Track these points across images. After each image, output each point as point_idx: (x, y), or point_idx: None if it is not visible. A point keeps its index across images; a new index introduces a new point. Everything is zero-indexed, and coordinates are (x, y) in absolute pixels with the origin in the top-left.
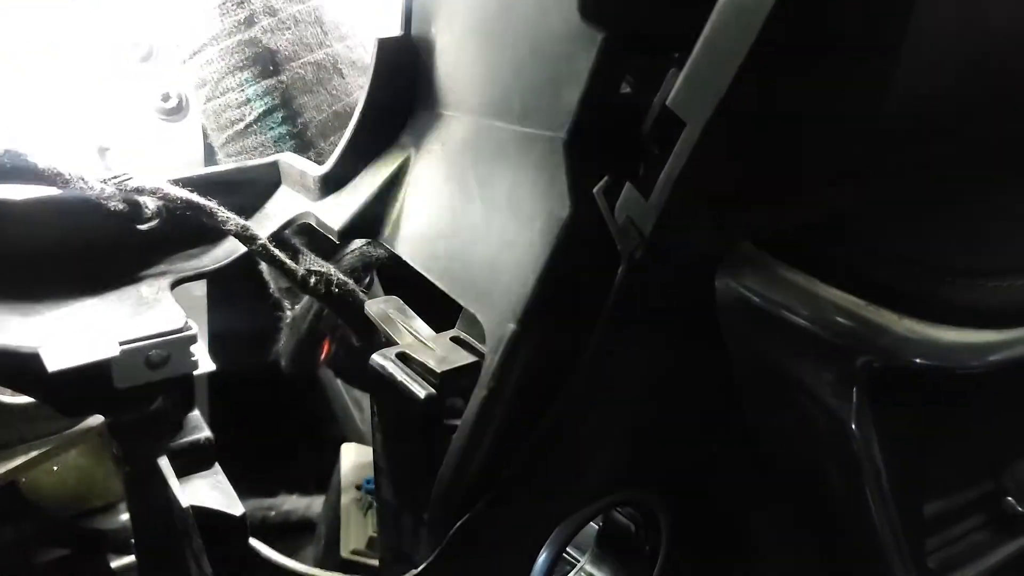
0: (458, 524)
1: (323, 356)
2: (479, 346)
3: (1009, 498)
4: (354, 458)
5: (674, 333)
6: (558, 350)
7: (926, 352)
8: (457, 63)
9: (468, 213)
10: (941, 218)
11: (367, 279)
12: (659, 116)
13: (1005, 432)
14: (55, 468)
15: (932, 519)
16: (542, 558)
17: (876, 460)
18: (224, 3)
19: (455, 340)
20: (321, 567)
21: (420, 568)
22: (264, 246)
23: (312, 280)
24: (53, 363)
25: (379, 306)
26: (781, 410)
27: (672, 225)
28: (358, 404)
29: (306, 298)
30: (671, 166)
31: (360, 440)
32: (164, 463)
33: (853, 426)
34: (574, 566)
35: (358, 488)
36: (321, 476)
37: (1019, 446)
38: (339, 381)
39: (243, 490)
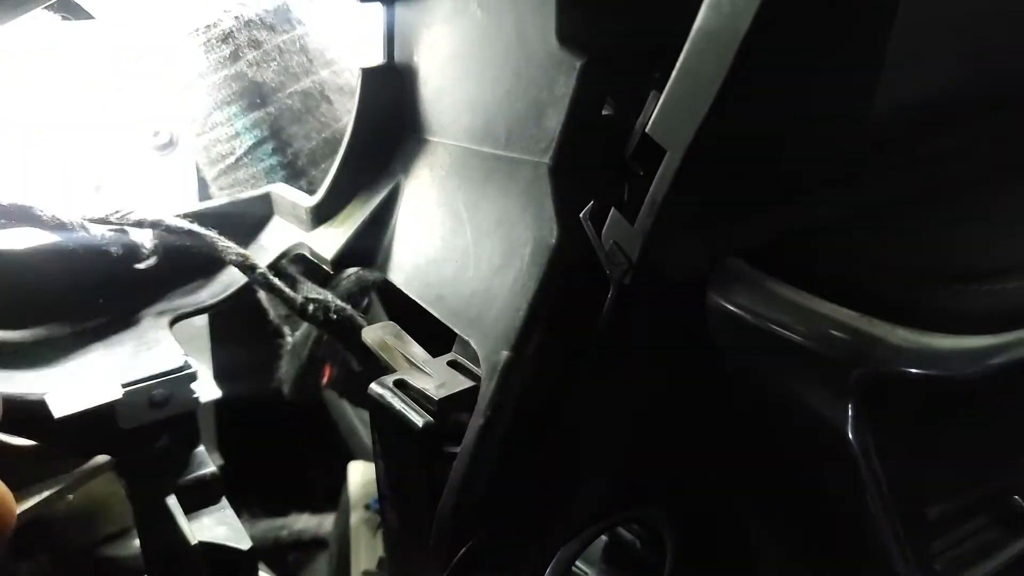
0: (461, 552)
1: (325, 380)
2: (476, 369)
3: (1016, 496)
4: (362, 476)
5: (667, 353)
6: (553, 375)
7: (922, 361)
8: (441, 89)
9: (458, 239)
10: (930, 222)
11: (364, 302)
12: (640, 141)
13: (1009, 431)
14: (70, 497)
15: (937, 522)
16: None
17: (875, 468)
18: (209, 40)
19: (452, 364)
20: None
21: None
22: (264, 275)
23: (311, 308)
24: (59, 409)
25: (376, 333)
26: (778, 424)
27: (659, 248)
28: (364, 422)
29: (305, 325)
30: (655, 191)
31: (367, 457)
32: (172, 501)
33: (850, 436)
34: None
35: (367, 508)
36: (331, 493)
37: (1021, 443)
38: (344, 402)
39: (255, 511)
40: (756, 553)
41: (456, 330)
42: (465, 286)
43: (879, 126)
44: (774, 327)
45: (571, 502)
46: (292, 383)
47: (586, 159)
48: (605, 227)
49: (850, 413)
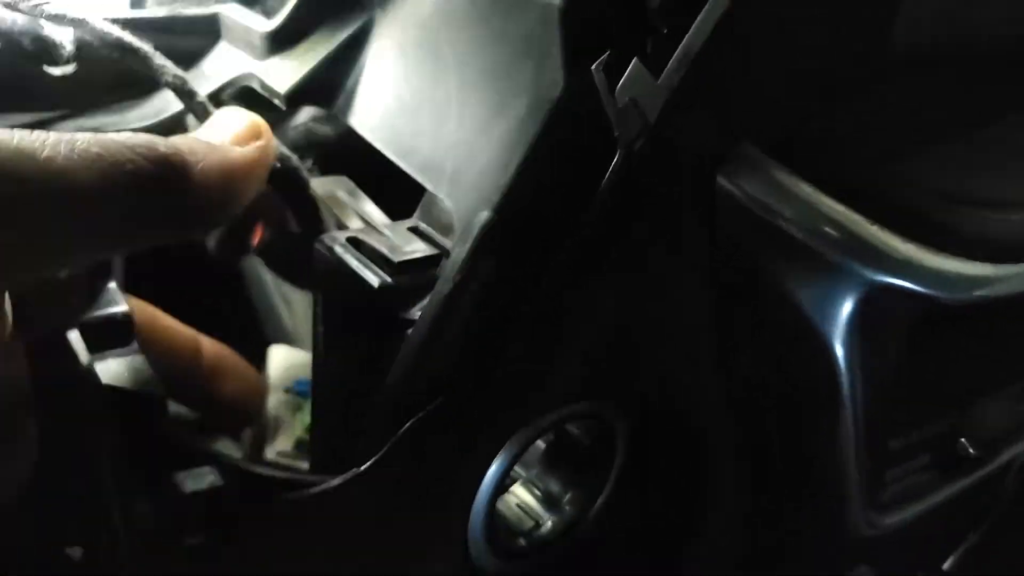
0: (405, 427)
1: (256, 242)
2: (441, 239)
3: (963, 439)
4: (283, 360)
5: (665, 238)
6: (537, 246)
7: (923, 278)
8: None
9: (439, 87)
10: (949, 142)
11: (309, 162)
12: None
13: (972, 371)
14: None
15: (893, 453)
16: (494, 467)
17: (856, 383)
18: None
19: (414, 231)
20: None
21: (359, 470)
22: (204, 106)
23: None
24: None
25: (327, 186)
26: (764, 325)
27: (679, 113)
28: (288, 302)
29: None
30: (690, 40)
31: (287, 342)
32: (75, 336)
33: (837, 346)
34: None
35: (286, 391)
36: None
37: (982, 387)
38: (268, 275)
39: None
40: (711, 459)
41: (428, 186)
42: (444, 139)
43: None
44: (780, 220)
45: (533, 389)
46: (219, 240)
47: (604, 3)
48: (621, 81)
49: (842, 320)
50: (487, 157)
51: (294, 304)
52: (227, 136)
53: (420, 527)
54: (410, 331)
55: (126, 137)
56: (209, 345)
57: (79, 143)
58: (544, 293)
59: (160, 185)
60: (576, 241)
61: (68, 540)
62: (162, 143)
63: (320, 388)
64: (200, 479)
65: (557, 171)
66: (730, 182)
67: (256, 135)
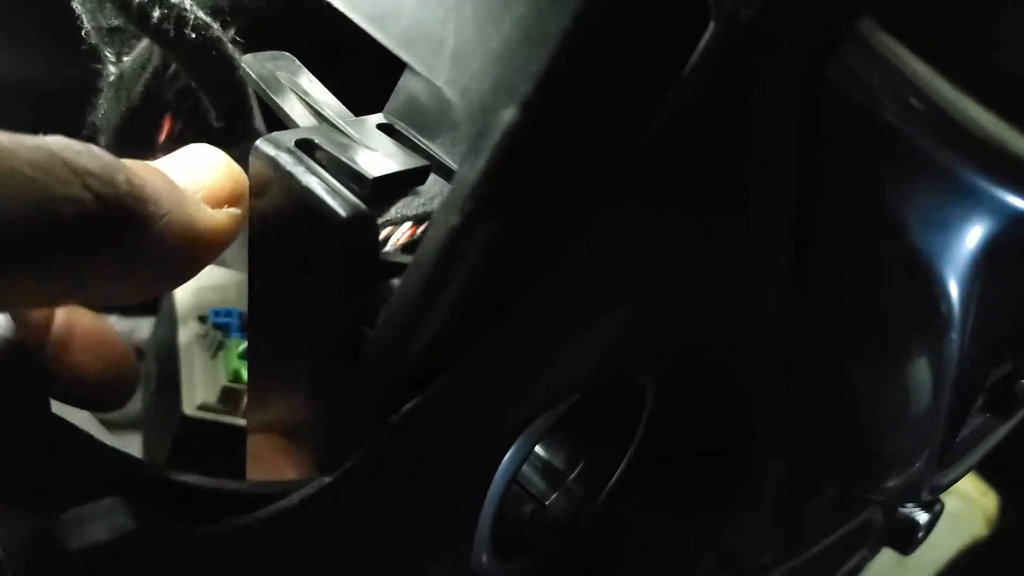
0: (394, 418)
1: (162, 137)
2: (428, 144)
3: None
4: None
5: (754, 152)
6: (581, 161)
7: None
8: None
9: None
10: None
11: (233, 29)
12: None
13: None
14: None
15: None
16: (505, 463)
17: (965, 334)
18: None
19: (386, 130)
20: (154, 425)
21: (325, 480)
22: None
23: (156, 14)
24: None
25: (263, 64)
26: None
27: None
28: None
29: (142, 45)
30: None
31: None
32: None
33: (952, 289)
34: None
35: (201, 320)
36: None
37: None
38: None
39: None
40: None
41: (417, 66)
42: (443, 4)
43: None
44: (904, 125)
45: (565, 361)
46: (113, 134)
47: None
48: None
49: (963, 257)
50: (510, 27)
51: None
52: (200, 185)
53: (413, 549)
54: (396, 282)
55: (75, 152)
56: (63, 313)
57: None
58: (590, 229)
59: (107, 238)
60: (639, 156)
61: None
62: (123, 175)
63: (259, 350)
64: (96, 525)
65: (615, 51)
66: (845, 72)
67: (233, 197)
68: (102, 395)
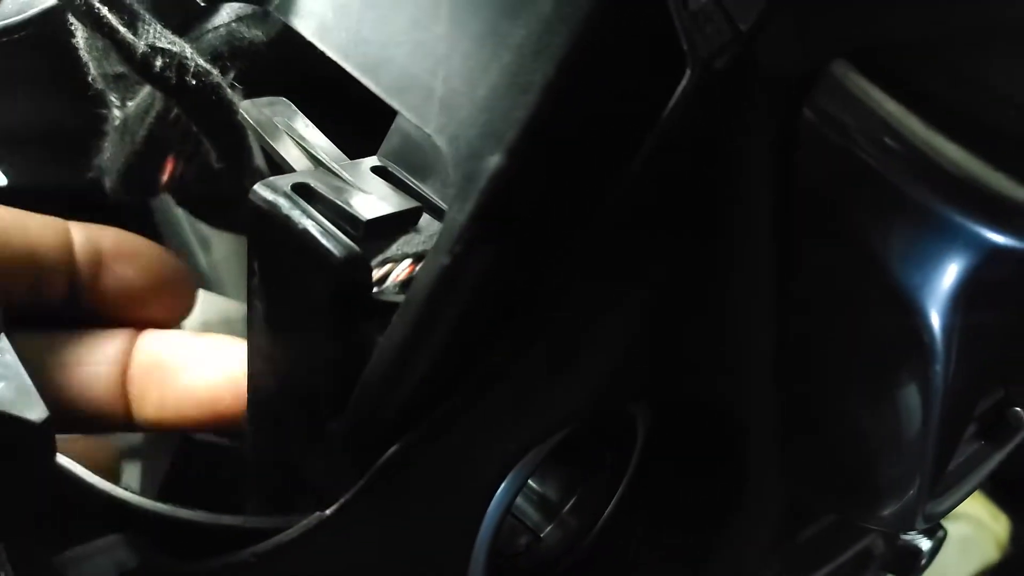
0: (387, 454)
1: (165, 178)
2: (419, 186)
3: (1017, 408)
4: (200, 312)
5: (732, 188)
6: (565, 203)
7: None
8: None
9: None
10: None
11: (232, 74)
12: None
13: None
14: None
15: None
16: (499, 495)
17: (950, 363)
18: None
19: (380, 172)
20: (154, 447)
21: (323, 514)
22: (88, 2)
23: (158, 63)
24: None
25: (261, 110)
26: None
27: (781, 17)
28: (205, 243)
29: (145, 91)
30: None
31: (204, 287)
32: None
33: (933, 320)
34: None
35: None
36: None
37: None
38: (181, 211)
39: None
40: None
41: (408, 113)
42: (431, 46)
43: None
44: (879, 162)
45: (556, 397)
46: (118, 175)
47: None
48: None
49: (945, 291)
50: (497, 76)
51: (212, 244)
52: None
53: None
54: (393, 319)
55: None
56: (84, 231)
57: None
58: (574, 268)
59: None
60: (620, 195)
61: None
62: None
63: (257, 384)
64: (100, 561)
65: (596, 98)
66: (820, 110)
67: None
68: (161, 304)
